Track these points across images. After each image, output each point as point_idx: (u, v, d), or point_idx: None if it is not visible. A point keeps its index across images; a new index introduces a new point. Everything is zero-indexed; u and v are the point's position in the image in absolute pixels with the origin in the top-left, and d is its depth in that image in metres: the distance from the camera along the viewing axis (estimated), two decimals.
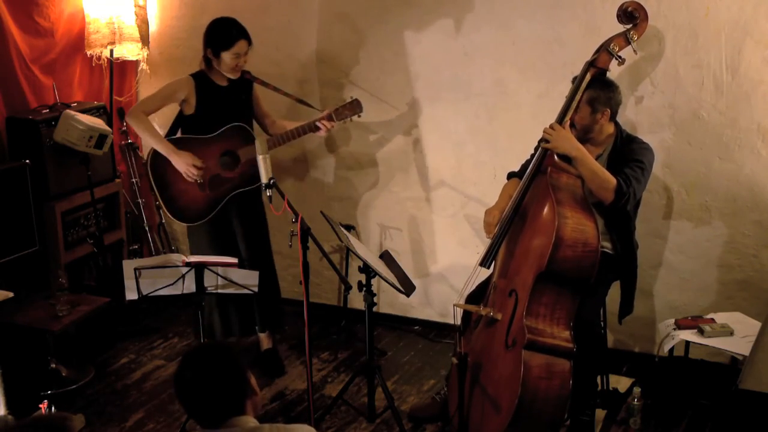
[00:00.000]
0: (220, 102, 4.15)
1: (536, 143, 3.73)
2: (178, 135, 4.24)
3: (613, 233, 3.67)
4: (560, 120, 3.55)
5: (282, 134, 4.21)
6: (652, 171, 3.71)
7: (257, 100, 4.35)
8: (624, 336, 4.37)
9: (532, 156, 3.80)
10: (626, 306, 3.78)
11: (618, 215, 3.62)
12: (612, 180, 3.49)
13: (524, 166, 3.82)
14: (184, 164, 4.08)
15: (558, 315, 3.35)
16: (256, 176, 4.11)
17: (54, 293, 4.22)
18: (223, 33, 4.07)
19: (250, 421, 2.29)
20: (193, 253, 4.22)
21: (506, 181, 3.91)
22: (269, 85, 4.28)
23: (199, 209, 4.14)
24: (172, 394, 4.23)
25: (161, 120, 4.49)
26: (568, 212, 3.36)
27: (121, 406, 4.12)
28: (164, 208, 4.12)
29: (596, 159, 3.68)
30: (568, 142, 3.49)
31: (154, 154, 4.10)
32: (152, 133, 4.13)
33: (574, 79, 3.62)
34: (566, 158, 3.62)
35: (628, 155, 3.61)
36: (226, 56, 4.05)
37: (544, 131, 3.54)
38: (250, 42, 4.09)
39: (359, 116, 4.33)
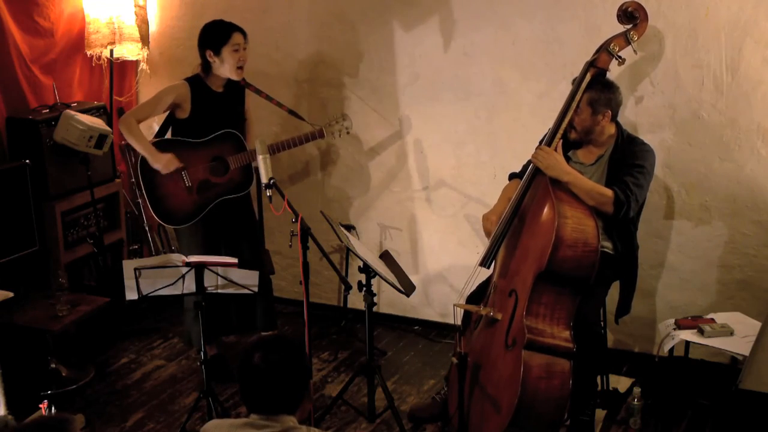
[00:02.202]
0: (215, 108, 4.16)
1: (537, 144, 3.73)
2: (168, 136, 4.24)
3: (613, 233, 3.67)
4: (550, 140, 3.56)
5: (281, 142, 4.26)
6: (653, 173, 3.71)
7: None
8: (624, 336, 4.37)
9: None
10: (624, 306, 3.78)
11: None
12: (608, 193, 3.50)
13: (525, 167, 3.81)
14: (162, 163, 4.06)
15: (558, 315, 3.35)
16: (245, 183, 4.17)
17: (54, 293, 4.22)
18: (218, 30, 4.10)
19: (291, 420, 2.35)
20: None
21: (507, 181, 3.91)
22: (262, 93, 4.30)
23: (186, 212, 4.14)
24: (172, 394, 4.23)
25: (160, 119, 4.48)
26: (568, 212, 3.36)
27: (121, 406, 4.12)
28: (151, 210, 4.11)
29: (597, 160, 3.70)
30: (558, 167, 3.49)
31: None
32: (137, 138, 4.09)
33: (575, 80, 3.62)
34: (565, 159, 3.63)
35: (629, 158, 3.61)
36: (227, 52, 4.05)
37: (533, 155, 3.55)
38: (244, 35, 4.11)
39: (348, 132, 4.39)
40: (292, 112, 4.40)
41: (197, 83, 4.14)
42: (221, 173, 4.17)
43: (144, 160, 4.08)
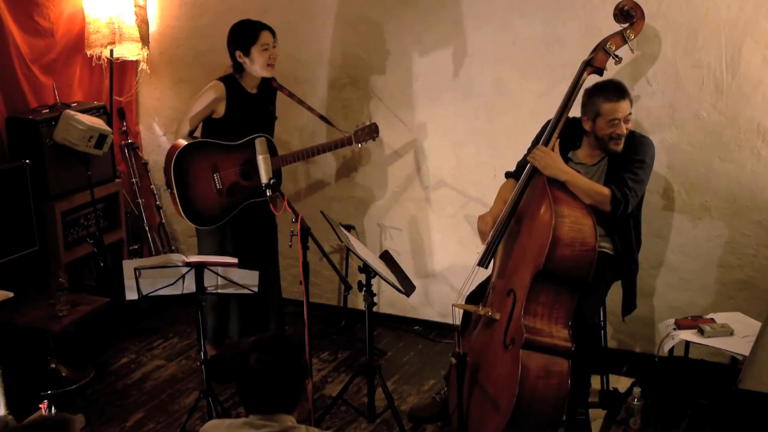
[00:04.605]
0: (248, 110, 4.16)
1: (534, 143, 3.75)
2: (198, 135, 4.22)
3: (613, 233, 3.68)
4: (547, 140, 3.56)
5: (311, 148, 4.26)
6: (653, 165, 3.73)
7: None
8: (624, 336, 4.37)
9: (528, 152, 3.81)
10: (629, 304, 3.79)
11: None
12: (606, 192, 3.51)
13: (520, 165, 3.83)
14: None
15: (556, 314, 3.35)
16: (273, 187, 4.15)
17: (54, 293, 4.22)
18: (246, 29, 4.09)
19: (290, 419, 2.36)
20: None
21: (504, 180, 3.91)
22: (294, 97, 4.31)
23: (214, 214, 4.13)
24: (172, 394, 4.23)
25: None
26: (565, 211, 3.37)
27: (121, 406, 4.12)
28: (180, 209, 4.09)
29: (600, 160, 3.72)
30: (556, 166, 3.50)
31: (180, 154, 4.05)
32: None
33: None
34: (564, 159, 3.64)
35: (628, 152, 3.63)
36: (256, 52, 4.05)
37: (531, 155, 3.55)
38: (273, 33, 4.10)
39: (374, 139, 4.36)
40: (322, 118, 4.40)
41: (232, 84, 4.13)
42: (251, 177, 4.17)
43: (180, 159, 4.05)
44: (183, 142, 4.09)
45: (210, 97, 4.11)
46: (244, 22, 4.13)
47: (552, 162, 3.49)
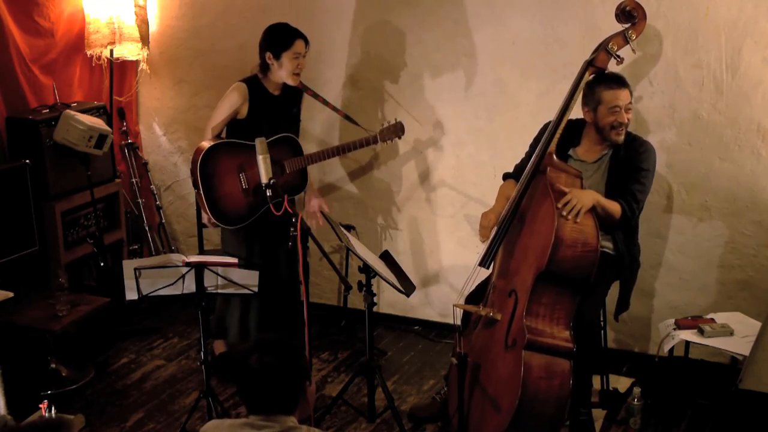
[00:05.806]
0: (272, 111, 4.16)
1: (532, 141, 3.76)
2: (223, 136, 4.22)
3: (614, 232, 3.68)
4: (548, 140, 3.53)
5: (335, 147, 4.26)
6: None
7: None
8: (624, 336, 4.37)
9: (527, 154, 3.82)
10: (623, 303, 3.80)
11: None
12: (617, 209, 3.55)
13: (518, 167, 3.83)
14: None
15: (558, 315, 3.35)
16: (298, 186, 4.20)
17: (54, 293, 4.22)
18: (281, 34, 4.09)
19: (290, 420, 2.37)
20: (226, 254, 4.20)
21: (502, 182, 3.91)
22: (319, 97, 4.32)
23: (241, 214, 4.12)
24: (172, 394, 4.23)
25: None
26: None
27: (121, 406, 4.12)
28: (207, 209, 4.09)
29: (601, 158, 3.73)
30: (588, 196, 3.43)
31: (205, 155, 4.04)
32: None
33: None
34: (564, 157, 3.64)
35: (633, 161, 3.64)
36: (287, 58, 4.05)
37: (562, 201, 3.36)
38: (307, 43, 4.10)
39: (400, 138, 4.34)
40: (347, 118, 4.41)
41: (255, 85, 4.13)
42: (277, 176, 4.15)
43: (206, 159, 4.05)
44: (207, 144, 4.09)
45: (234, 99, 4.12)
46: (282, 25, 4.13)
47: (584, 196, 3.41)
